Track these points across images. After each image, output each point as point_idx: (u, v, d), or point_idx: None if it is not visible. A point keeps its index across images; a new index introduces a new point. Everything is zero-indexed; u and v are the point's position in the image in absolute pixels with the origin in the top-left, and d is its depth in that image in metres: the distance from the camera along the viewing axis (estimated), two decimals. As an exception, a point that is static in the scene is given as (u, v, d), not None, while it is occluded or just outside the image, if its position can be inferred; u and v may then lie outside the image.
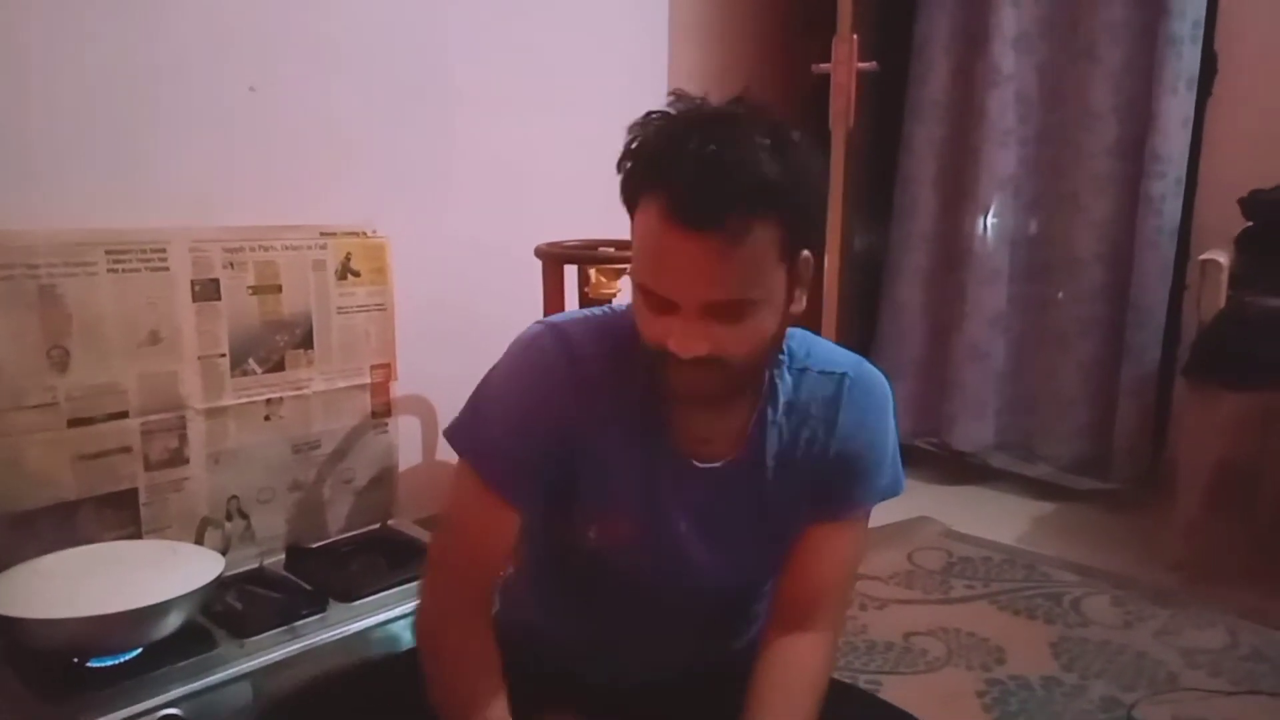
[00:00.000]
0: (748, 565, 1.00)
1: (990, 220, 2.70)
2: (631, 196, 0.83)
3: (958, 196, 2.74)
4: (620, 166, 0.84)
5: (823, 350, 0.98)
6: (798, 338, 0.98)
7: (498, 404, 0.94)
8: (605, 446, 0.93)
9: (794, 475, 0.95)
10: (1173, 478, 2.25)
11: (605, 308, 0.98)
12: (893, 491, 1.00)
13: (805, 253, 0.85)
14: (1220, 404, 2.09)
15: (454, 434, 0.95)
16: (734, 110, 0.83)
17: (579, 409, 0.91)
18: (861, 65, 2.27)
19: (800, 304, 0.88)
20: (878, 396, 0.98)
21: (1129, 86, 2.47)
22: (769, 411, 0.95)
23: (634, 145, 0.83)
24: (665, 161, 0.79)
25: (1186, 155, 2.43)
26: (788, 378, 0.96)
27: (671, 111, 0.84)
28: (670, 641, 1.02)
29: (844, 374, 0.96)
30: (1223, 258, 2.16)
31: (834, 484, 0.96)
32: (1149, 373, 2.50)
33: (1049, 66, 2.60)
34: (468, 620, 0.92)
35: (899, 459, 1.01)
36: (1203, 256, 2.20)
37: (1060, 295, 2.66)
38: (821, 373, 0.96)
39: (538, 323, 0.96)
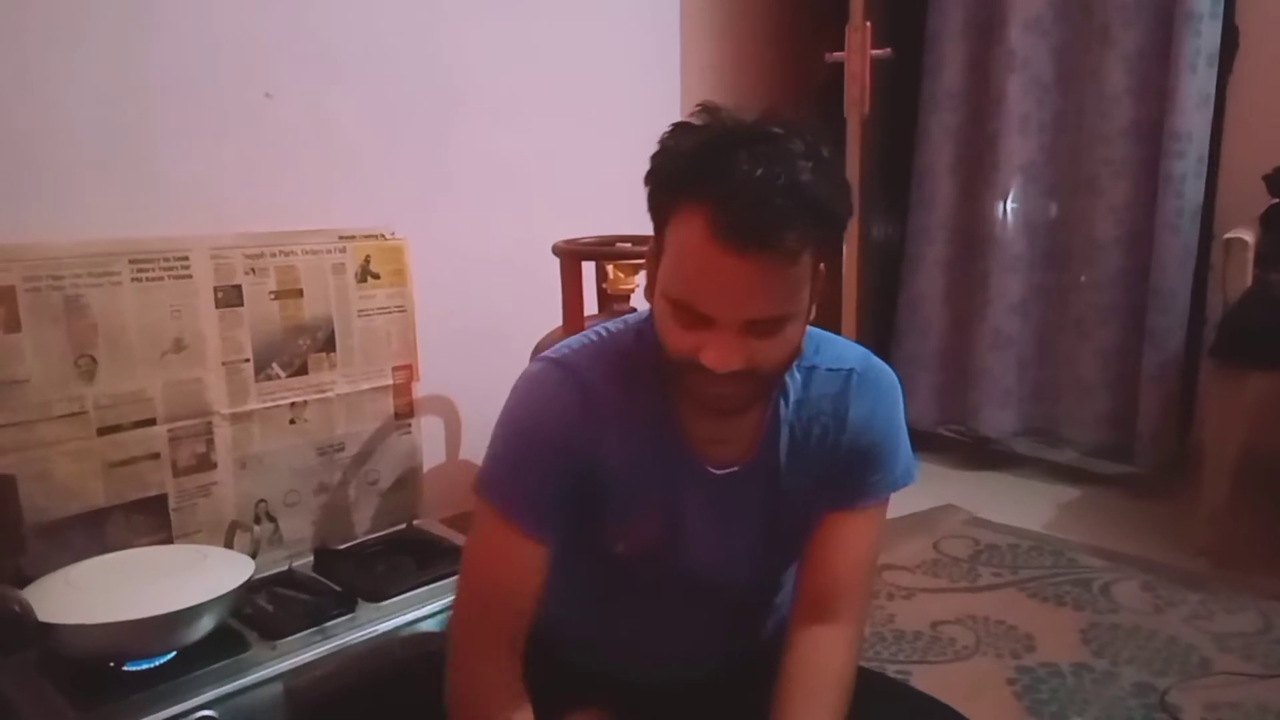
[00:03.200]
0: (766, 562, 1.01)
1: (1009, 207, 2.68)
2: (665, 210, 0.81)
3: (976, 184, 2.72)
4: (652, 178, 0.82)
5: (830, 346, 0.99)
6: (804, 336, 0.98)
7: (509, 443, 0.94)
8: (623, 464, 0.93)
9: (807, 471, 0.96)
10: (1199, 462, 2.22)
11: (600, 328, 0.98)
12: (905, 481, 1.00)
13: (822, 265, 0.85)
14: (1246, 385, 2.07)
15: (476, 482, 0.94)
16: (772, 126, 0.80)
17: (591, 434, 0.91)
18: (875, 52, 2.26)
19: (813, 313, 0.88)
20: (886, 389, 0.98)
21: (1145, 67, 2.44)
22: (781, 411, 0.95)
23: (667, 158, 0.81)
24: (711, 178, 0.77)
25: (1209, 134, 2.39)
26: (797, 375, 0.96)
27: (700, 123, 0.81)
28: (694, 639, 1.03)
29: (851, 369, 0.97)
30: (1248, 236, 2.13)
31: (849, 475, 0.96)
32: (1172, 357, 2.47)
33: (1064, 50, 2.57)
34: (497, 672, 0.90)
35: (910, 448, 1.01)
36: (1227, 235, 2.17)
37: (1083, 279, 2.63)
38: (829, 369, 0.97)
39: (538, 359, 0.96)
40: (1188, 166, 2.38)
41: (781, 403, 0.95)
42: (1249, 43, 2.41)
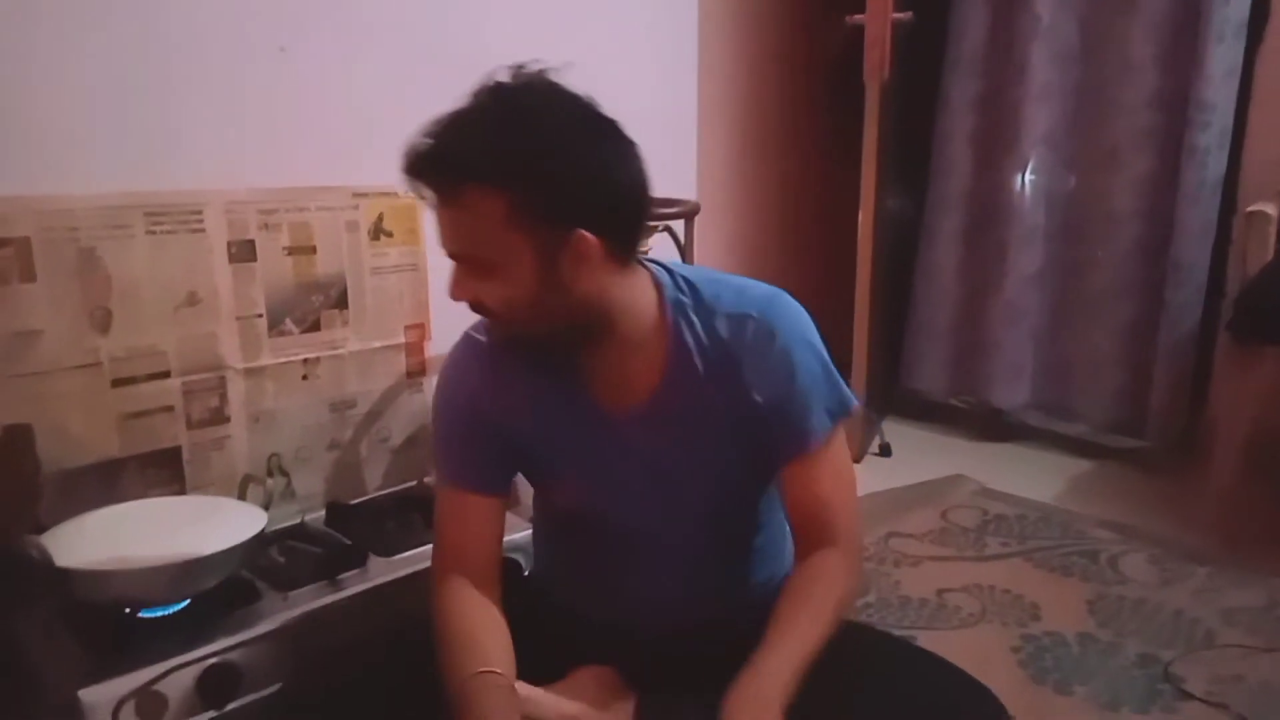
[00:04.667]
0: (706, 497, 1.04)
1: (1029, 178, 2.64)
2: None
3: (996, 154, 2.69)
4: None
5: (731, 291, 1.01)
6: (708, 279, 1.02)
7: (437, 415, 1.08)
8: (537, 422, 1.02)
9: (720, 414, 0.99)
10: (1211, 438, 2.21)
11: None
12: (844, 410, 1.02)
13: (580, 231, 0.88)
14: (1262, 361, 2.05)
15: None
16: (503, 84, 0.91)
17: (500, 398, 1.02)
18: (897, 15, 2.23)
19: (584, 281, 0.91)
20: (786, 329, 0.99)
21: (1172, 36, 2.40)
22: (678, 356, 0.98)
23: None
24: (424, 128, 0.90)
25: (1234, 106, 2.36)
26: (695, 320, 0.99)
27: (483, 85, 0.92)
28: (675, 579, 1.06)
29: (748, 315, 0.99)
30: (1271, 209, 2.10)
31: (782, 425, 0.99)
32: (1188, 332, 2.45)
33: (1090, 17, 2.53)
34: (468, 600, 0.99)
35: (836, 376, 1.02)
36: (1250, 208, 2.14)
37: (1100, 254, 2.61)
38: (729, 315, 0.99)
39: (463, 331, 1.08)
40: (1211, 138, 2.34)
41: (678, 350, 0.98)
42: (1281, 12, 2.36)
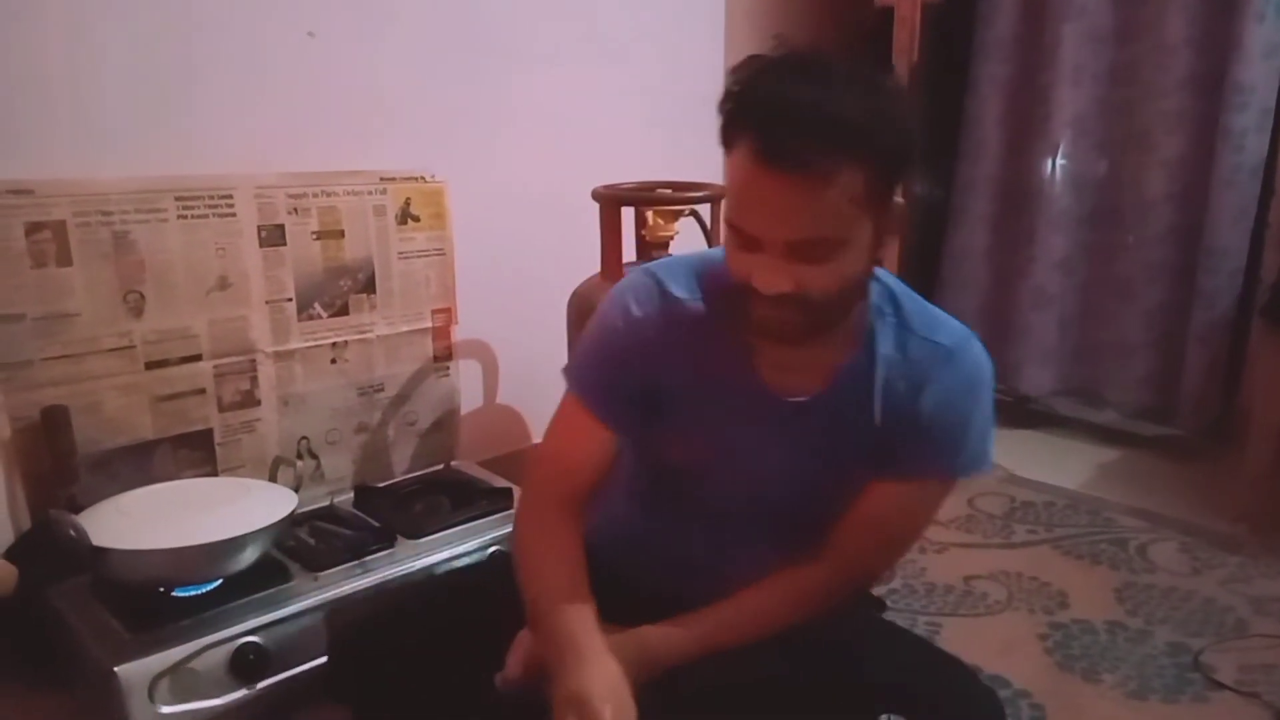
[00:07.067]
0: (821, 495, 1.03)
1: (1059, 162, 2.60)
2: (727, 138, 0.86)
3: (1026, 137, 2.65)
4: (719, 109, 0.87)
5: (931, 316, 1.00)
6: (909, 296, 1.01)
7: (593, 338, 1.03)
8: (693, 376, 0.99)
9: (874, 426, 0.97)
10: (1244, 426, 2.18)
11: (706, 251, 1.04)
12: (969, 470, 0.99)
13: (898, 200, 0.87)
14: (1299, 348, 2.02)
15: (565, 368, 1.05)
16: (826, 54, 0.85)
17: (666, 345, 0.98)
18: (927, -3, 2.20)
19: (887, 249, 0.90)
20: (972, 378, 0.98)
21: (1208, 16, 2.34)
22: (862, 359, 0.97)
23: (732, 88, 0.85)
24: (757, 103, 0.82)
25: (1276, 86, 2.30)
26: (890, 334, 0.98)
27: (766, 54, 0.86)
28: (758, 560, 1.04)
29: (946, 346, 0.97)
30: (1309, 194, 2.06)
31: (907, 444, 0.97)
32: (1221, 318, 2.40)
33: (1124, -1, 2.48)
34: (556, 523, 0.99)
35: (988, 441, 1.00)
36: (1287, 192, 2.10)
37: (1131, 239, 2.56)
38: (925, 339, 0.98)
39: (638, 268, 1.03)
40: (1250, 120, 2.29)
41: (865, 353, 0.97)
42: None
